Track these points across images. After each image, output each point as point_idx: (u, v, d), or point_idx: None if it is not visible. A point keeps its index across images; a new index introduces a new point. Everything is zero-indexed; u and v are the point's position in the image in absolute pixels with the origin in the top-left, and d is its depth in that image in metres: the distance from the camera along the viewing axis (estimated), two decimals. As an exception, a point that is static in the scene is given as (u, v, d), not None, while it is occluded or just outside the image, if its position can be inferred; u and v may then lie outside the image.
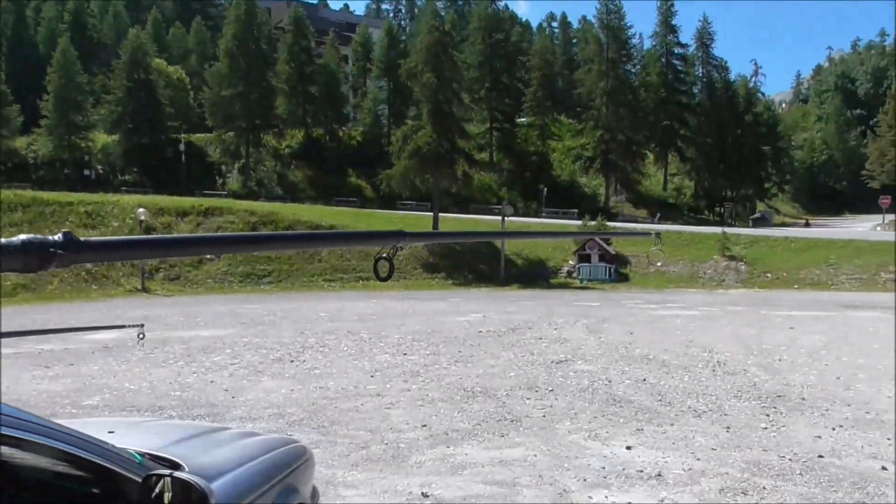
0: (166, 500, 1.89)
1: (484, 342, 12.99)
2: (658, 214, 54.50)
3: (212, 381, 9.59)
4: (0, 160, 51.64)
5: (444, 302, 23.06)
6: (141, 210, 31.33)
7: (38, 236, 0.97)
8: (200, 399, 8.58)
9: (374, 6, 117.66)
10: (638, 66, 65.86)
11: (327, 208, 45.24)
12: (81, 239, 0.99)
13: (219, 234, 1.47)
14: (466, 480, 5.62)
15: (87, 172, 52.95)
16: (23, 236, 0.96)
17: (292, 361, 11.06)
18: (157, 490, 1.90)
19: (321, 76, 59.38)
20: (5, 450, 1.80)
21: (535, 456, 6.21)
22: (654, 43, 65.60)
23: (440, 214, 39.50)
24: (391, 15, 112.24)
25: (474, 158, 42.91)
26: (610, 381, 9.45)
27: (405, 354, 11.67)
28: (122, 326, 2.41)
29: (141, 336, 2.40)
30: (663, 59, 63.29)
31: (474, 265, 33.86)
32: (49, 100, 52.16)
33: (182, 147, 52.53)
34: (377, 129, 61.35)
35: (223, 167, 56.20)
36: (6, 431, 1.68)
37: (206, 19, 78.49)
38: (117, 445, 2.10)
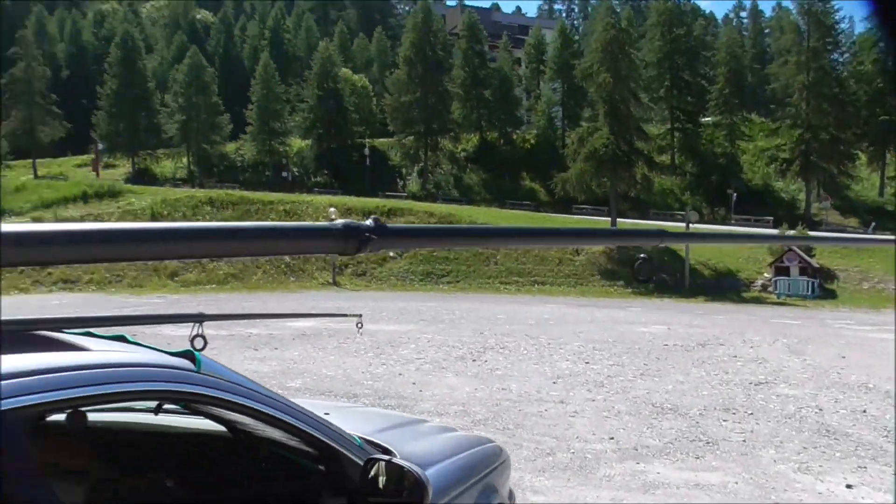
0: (380, 484, 1.93)
1: (671, 356, 12.32)
2: (873, 223, 47.98)
3: (400, 374, 10.00)
4: (213, 163, 58.03)
5: (623, 311, 22.27)
6: (332, 209, 33.69)
7: (355, 221, 0.99)
8: (390, 390, 8.98)
9: (545, 7, 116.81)
10: (847, 55, 58.87)
11: (502, 211, 45.65)
12: (388, 225, 1.00)
13: (496, 226, 1.46)
14: (660, 500, 5.35)
15: (284, 174, 57.81)
16: (342, 220, 0.99)
17: (474, 360, 11.23)
18: (372, 473, 1.95)
19: (495, 80, 60.01)
20: (250, 421, 1.92)
21: (737, 483, 5.74)
22: (867, 26, 58.35)
23: (617, 220, 38.33)
24: (563, 15, 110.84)
25: (654, 161, 41.11)
26: (821, 410, 8.49)
27: (587, 363, 11.39)
28: (345, 315, 2.54)
29: (360, 325, 2.48)
30: (880, 45, 55.94)
31: (656, 274, 32.40)
32: (253, 109, 57.61)
33: (366, 151, 55.71)
34: (551, 131, 60.83)
35: (403, 170, 58.75)
36: (253, 405, 1.80)
37: (386, 29, 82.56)
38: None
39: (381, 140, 59.96)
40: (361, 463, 1.99)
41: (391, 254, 30.98)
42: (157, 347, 1.75)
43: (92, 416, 1.98)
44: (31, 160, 52.81)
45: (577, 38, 73.88)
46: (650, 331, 16.01)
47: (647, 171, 39.25)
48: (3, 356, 1.29)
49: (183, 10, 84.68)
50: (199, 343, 1.77)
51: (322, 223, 1.00)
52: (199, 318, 1.84)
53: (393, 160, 58.87)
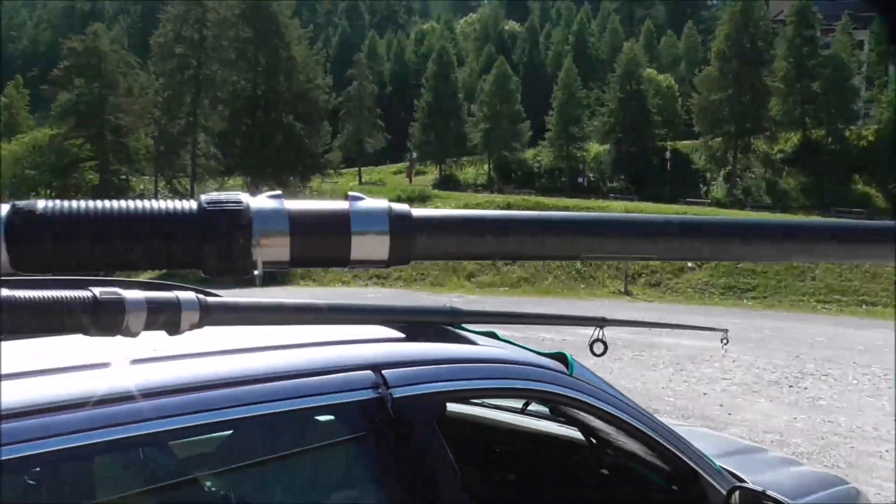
0: None
1: None
2: None
3: (704, 394, 9.32)
4: (511, 170, 60.87)
5: None
6: (625, 216, 32.96)
7: None
8: (694, 409, 8.43)
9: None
10: None
11: (823, 220, 40.07)
12: None
13: None
14: None
15: (580, 180, 58.27)
16: None
17: (791, 387, 10.02)
18: (730, 501, 1.78)
19: (826, 69, 52.71)
20: (611, 430, 1.86)
21: None
22: None
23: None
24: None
25: None
26: None
27: (941, 402, 9.42)
28: (711, 329, 2.34)
29: (725, 342, 2.28)
30: None
31: None
32: (553, 115, 58.93)
33: (667, 154, 53.37)
34: (898, 124, 51.62)
35: (707, 174, 55.12)
36: (618, 413, 1.72)
37: (697, 23, 78.20)
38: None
39: (685, 142, 57.08)
40: (722, 490, 1.83)
41: (689, 264, 29.22)
42: (529, 347, 1.78)
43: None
44: (356, 168, 60.95)
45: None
46: None
47: None
48: (414, 343, 1.40)
49: (493, 22, 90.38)
50: (598, 348, 1.77)
51: (882, 222, 0.83)
52: (601, 323, 1.81)
53: (696, 164, 55.63)
